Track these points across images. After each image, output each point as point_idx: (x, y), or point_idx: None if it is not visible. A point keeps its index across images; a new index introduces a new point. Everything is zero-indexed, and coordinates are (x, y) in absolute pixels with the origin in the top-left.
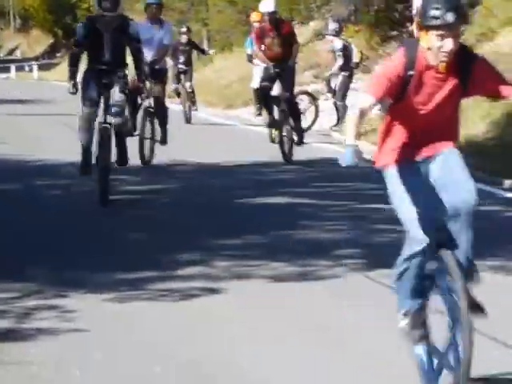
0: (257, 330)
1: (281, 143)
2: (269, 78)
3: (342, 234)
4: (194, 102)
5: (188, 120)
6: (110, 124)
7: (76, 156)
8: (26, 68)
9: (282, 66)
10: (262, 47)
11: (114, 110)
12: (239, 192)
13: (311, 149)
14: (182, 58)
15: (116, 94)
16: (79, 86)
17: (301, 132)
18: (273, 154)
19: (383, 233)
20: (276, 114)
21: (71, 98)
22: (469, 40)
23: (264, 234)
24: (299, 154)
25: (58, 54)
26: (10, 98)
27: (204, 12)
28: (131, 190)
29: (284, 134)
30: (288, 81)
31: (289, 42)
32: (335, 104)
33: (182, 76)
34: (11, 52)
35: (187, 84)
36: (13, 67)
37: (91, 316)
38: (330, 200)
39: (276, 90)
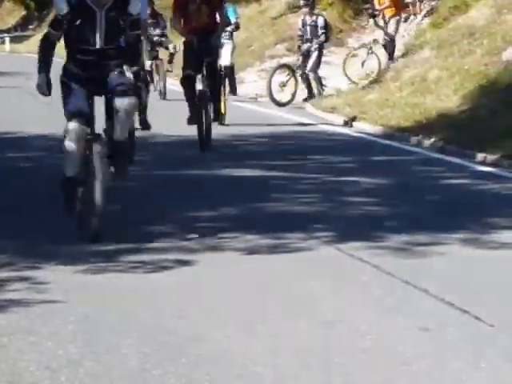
0: (227, 301)
1: (200, 131)
2: (193, 63)
3: (314, 207)
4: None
5: (163, 96)
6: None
7: (49, 128)
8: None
9: (208, 41)
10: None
11: (119, 87)
12: (211, 164)
13: (284, 121)
14: (154, 30)
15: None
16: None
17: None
18: (243, 127)
19: (356, 205)
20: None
21: None
22: (442, 13)
23: (237, 207)
24: (271, 127)
25: (31, 27)
26: None
27: None
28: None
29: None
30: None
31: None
32: (304, 76)
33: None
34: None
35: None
36: None
37: (63, 287)
38: (303, 173)
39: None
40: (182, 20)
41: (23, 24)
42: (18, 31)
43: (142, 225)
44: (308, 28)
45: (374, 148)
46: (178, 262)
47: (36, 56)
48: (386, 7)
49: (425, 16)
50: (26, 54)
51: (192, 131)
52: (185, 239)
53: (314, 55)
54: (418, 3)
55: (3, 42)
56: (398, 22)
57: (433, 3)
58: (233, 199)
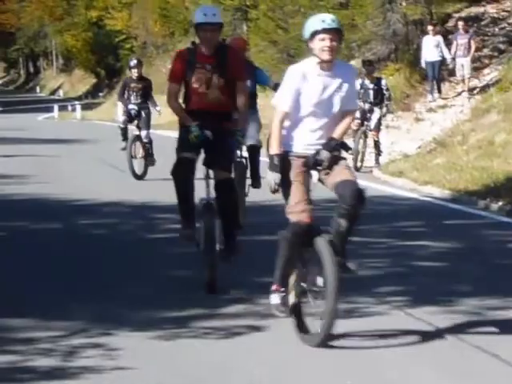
0: (299, 367)
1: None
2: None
3: (384, 271)
4: (150, 156)
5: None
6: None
7: (119, 194)
8: (69, 108)
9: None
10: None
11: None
12: (280, 229)
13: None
14: (133, 98)
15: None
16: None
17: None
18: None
19: (425, 270)
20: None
21: (114, 138)
22: (509, 78)
23: None
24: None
25: (101, 94)
26: (53, 138)
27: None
28: (174, 228)
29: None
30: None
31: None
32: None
33: (136, 121)
34: (54, 92)
35: (143, 133)
36: (56, 107)
37: (136, 354)
38: (372, 237)
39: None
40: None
41: (93, 91)
42: (89, 99)
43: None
44: (371, 92)
45: (442, 212)
46: (250, 327)
47: (108, 123)
48: None
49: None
50: (97, 121)
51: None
52: (257, 305)
53: (376, 116)
54: (466, 80)
55: (74, 110)
56: None
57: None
58: None
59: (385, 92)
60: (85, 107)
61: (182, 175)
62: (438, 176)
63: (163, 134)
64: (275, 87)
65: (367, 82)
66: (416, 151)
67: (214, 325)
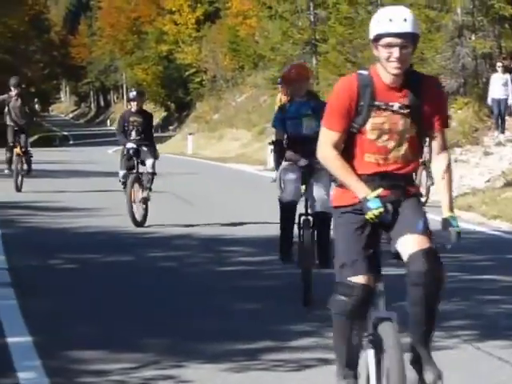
0: None
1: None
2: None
3: (452, 305)
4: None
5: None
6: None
7: (188, 227)
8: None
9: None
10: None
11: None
12: None
13: None
14: (133, 134)
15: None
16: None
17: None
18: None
19: (494, 303)
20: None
21: (183, 171)
22: None
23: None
24: None
25: (171, 127)
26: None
27: (315, 85)
28: (244, 260)
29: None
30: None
31: None
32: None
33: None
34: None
35: (149, 162)
36: None
37: None
38: None
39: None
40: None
41: (163, 125)
42: (159, 132)
43: (283, 323)
44: None
45: (511, 246)
46: (320, 360)
47: (177, 157)
48: None
49: None
50: (166, 154)
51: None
52: (326, 338)
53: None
54: None
55: None
56: None
57: None
58: None
59: None
60: (155, 141)
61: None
62: (506, 210)
63: (236, 168)
64: None
65: None
66: (485, 185)
67: (284, 357)
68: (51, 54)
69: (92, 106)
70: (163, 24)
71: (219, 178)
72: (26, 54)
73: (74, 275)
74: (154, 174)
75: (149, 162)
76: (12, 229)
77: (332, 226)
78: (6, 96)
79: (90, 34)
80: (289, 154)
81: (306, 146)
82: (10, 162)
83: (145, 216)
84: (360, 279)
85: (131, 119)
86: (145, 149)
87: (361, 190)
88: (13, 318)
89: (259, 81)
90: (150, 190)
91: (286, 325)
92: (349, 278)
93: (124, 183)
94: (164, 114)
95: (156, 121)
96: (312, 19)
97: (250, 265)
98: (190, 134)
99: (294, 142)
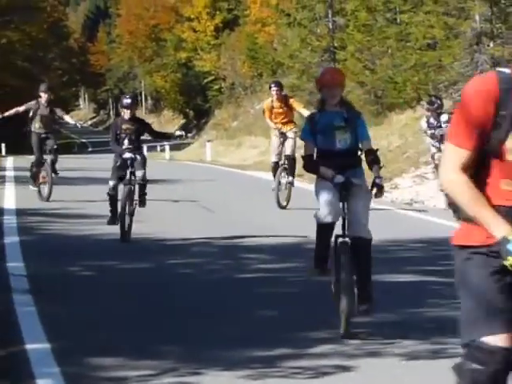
0: None
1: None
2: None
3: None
4: (144, 198)
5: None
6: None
7: (207, 234)
8: (158, 148)
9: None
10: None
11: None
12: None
13: (438, 227)
14: (126, 142)
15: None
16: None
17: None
18: (398, 232)
19: None
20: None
21: (202, 178)
22: None
23: (394, 312)
24: (425, 232)
25: (190, 135)
26: None
27: None
28: (262, 268)
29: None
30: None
31: None
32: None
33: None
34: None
35: (139, 173)
36: (145, 147)
37: None
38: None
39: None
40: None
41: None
42: (178, 139)
43: (302, 330)
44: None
45: None
46: (338, 367)
47: (196, 164)
48: None
49: None
50: (185, 161)
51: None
52: (345, 345)
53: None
54: None
55: (163, 150)
56: None
57: None
58: (389, 305)
59: (442, 126)
60: (173, 148)
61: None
62: None
63: (254, 175)
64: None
65: (433, 120)
66: None
67: (303, 364)
68: (70, 62)
69: (111, 113)
70: (182, 31)
71: (238, 185)
72: (44, 62)
73: (93, 282)
74: (145, 185)
75: (139, 172)
76: (31, 236)
77: (456, 270)
78: (33, 103)
79: (108, 42)
80: (323, 170)
81: (339, 160)
82: (35, 177)
83: (130, 229)
84: (500, 341)
85: (124, 127)
86: (138, 158)
87: (499, 228)
88: (31, 324)
89: None
90: (143, 202)
91: (305, 332)
92: (483, 340)
93: (112, 195)
94: (182, 121)
95: (174, 128)
96: (330, 26)
97: (269, 272)
98: (209, 141)
99: (325, 157)
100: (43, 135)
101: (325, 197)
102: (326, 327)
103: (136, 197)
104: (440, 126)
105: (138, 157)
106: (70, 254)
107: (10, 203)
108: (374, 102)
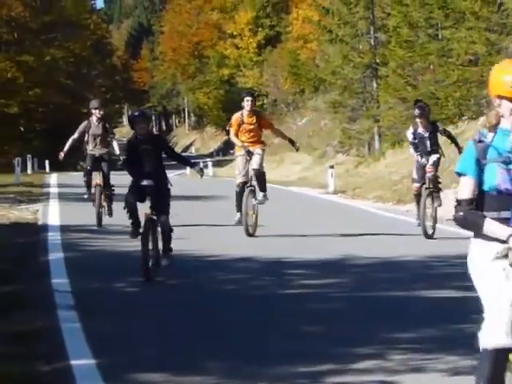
0: None
1: None
2: None
3: None
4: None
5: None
6: None
7: (251, 250)
8: (201, 164)
9: None
10: None
11: None
12: (411, 285)
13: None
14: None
15: None
16: None
17: None
18: (438, 248)
19: None
20: None
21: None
22: None
23: (438, 327)
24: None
25: (232, 151)
26: (187, 194)
27: (375, 109)
28: (307, 283)
29: None
30: None
31: None
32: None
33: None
34: (186, 149)
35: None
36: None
37: None
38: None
39: None
40: None
41: (224, 148)
42: (220, 156)
43: (346, 345)
44: (427, 141)
45: None
46: (382, 383)
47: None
48: None
49: None
50: (227, 178)
51: (384, 253)
52: (388, 360)
53: (436, 156)
54: None
55: (206, 167)
56: None
57: None
58: (432, 319)
59: (442, 134)
60: (216, 164)
61: None
62: None
63: (298, 191)
64: None
65: (421, 130)
66: None
67: (347, 380)
68: (113, 79)
69: (154, 129)
70: (225, 48)
71: (282, 200)
72: (88, 79)
73: (137, 298)
74: (170, 235)
75: (162, 218)
76: (75, 252)
77: None
78: (84, 124)
79: (151, 59)
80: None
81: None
82: (89, 185)
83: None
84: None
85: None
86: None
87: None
88: (76, 340)
89: (320, 104)
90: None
91: (349, 347)
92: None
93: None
94: (225, 137)
95: (217, 144)
96: (372, 43)
97: (313, 287)
98: None
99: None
100: (97, 155)
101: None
102: (370, 343)
103: (160, 245)
104: (429, 137)
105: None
106: (114, 270)
107: (54, 220)
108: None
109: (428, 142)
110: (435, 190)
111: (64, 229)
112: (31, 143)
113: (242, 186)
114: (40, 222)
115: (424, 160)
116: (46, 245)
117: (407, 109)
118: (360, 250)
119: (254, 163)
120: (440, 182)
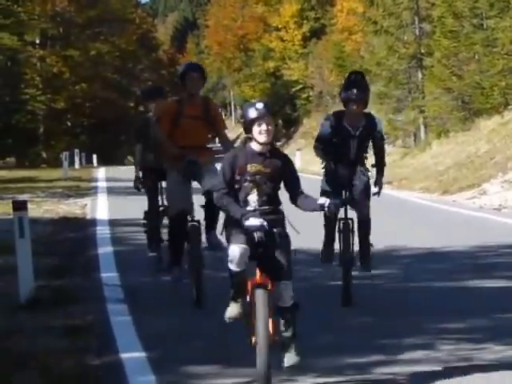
0: None
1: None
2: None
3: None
4: None
5: None
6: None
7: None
8: None
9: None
10: None
11: None
12: (457, 276)
13: None
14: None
15: None
16: None
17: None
18: (487, 237)
19: None
20: None
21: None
22: None
23: (486, 317)
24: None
25: (279, 144)
26: None
27: (420, 99)
28: (354, 275)
29: None
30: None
31: None
32: None
33: None
34: (233, 142)
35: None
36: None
37: None
38: None
39: None
40: None
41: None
42: None
43: (393, 336)
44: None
45: None
46: (432, 374)
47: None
48: None
49: None
50: None
51: (429, 243)
52: (437, 351)
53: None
54: None
55: None
56: None
57: None
58: (480, 310)
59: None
60: None
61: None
62: None
63: None
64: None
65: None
66: None
67: (395, 371)
68: (159, 73)
69: None
70: (270, 41)
71: None
72: (134, 73)
73: (186, 290)
74: None
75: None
76: (124, 246)
77: None
78: (141, 125)
79: (197, 52)
80: None
81: None
82: (156, 238)
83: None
84: None
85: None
86: None
87: None
88: (126, 334)
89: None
90: None
91: (397, 338)
92: None
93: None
94: None
95: None
96: (417, 33)
97: (360, 278)
98: (298, 149)
99: None
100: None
101: None
102: (419, 333)
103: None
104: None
105: None
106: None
107: (102, 214)
108: (461, 108)
109: None
110: None
111: (113, 223)
112: (78, 138)
113: None
114: (88, 217)
115: None
116: (94, 239)
117: (453, 99)
118: (403, 240)
119: None
120: None
